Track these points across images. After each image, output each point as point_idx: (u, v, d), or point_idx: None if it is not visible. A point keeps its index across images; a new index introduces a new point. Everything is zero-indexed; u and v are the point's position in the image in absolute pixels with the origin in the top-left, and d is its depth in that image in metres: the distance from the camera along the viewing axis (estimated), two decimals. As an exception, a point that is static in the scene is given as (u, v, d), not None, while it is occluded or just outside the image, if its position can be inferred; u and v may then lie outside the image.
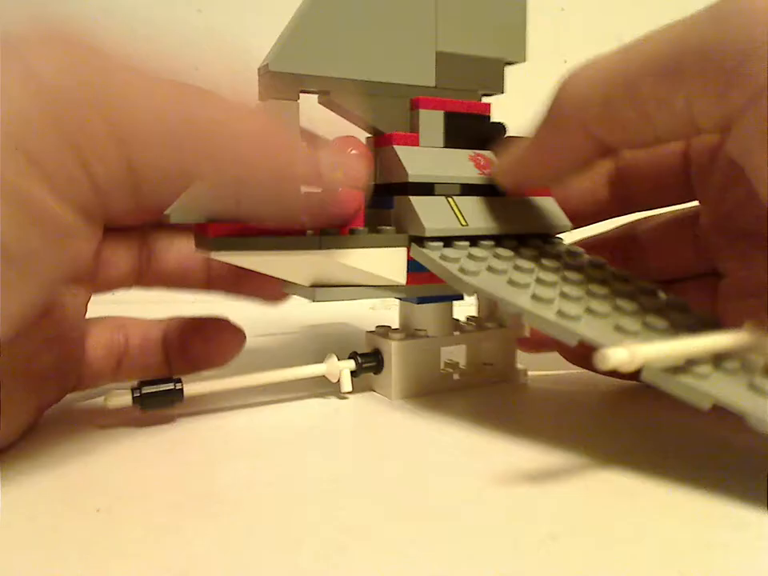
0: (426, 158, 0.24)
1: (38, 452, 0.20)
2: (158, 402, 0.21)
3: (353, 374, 0.24)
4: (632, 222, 0.27)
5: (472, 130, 0.25)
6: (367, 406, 0.24)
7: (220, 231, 0.20)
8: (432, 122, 0.24)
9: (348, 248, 0.22)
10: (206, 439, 0.21)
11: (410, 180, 0.23)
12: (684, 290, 0.25)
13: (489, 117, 0.26)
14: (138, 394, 0.21)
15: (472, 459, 0.19)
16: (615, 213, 0.27)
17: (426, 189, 0.23)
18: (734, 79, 0.17)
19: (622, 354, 0.15)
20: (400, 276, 0.23)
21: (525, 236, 0.24)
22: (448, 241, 0.23)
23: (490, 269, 0.21)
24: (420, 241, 0.23)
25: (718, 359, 0.17)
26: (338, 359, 0.24)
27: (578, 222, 0.26)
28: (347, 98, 0.23)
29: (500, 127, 0.26)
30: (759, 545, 0.14)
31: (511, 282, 0.20)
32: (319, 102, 0.24)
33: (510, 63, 0.26)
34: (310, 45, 0.22)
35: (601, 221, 0.27)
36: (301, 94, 0.22)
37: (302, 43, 0.22)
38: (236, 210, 0.20)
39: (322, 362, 0.24)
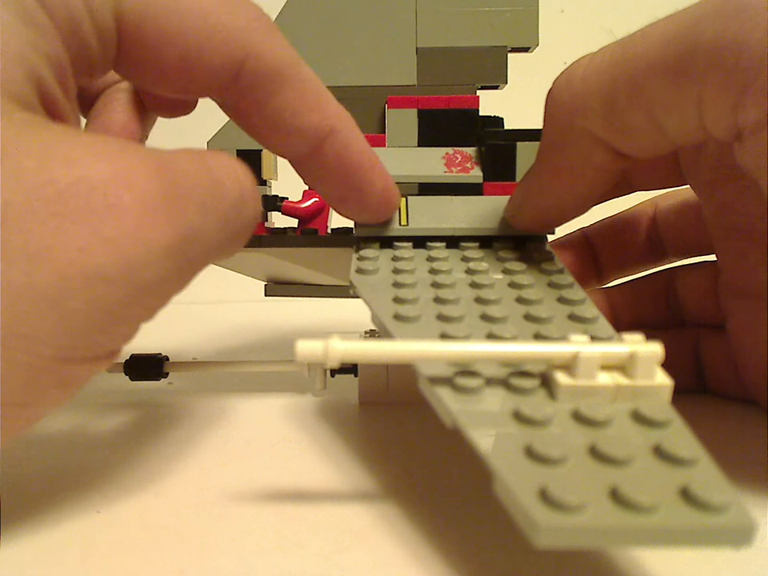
0: (387, 158, 0.23)
1: (36, 453, 0.20)
2: (143, 373, 0.25)
3: (332, 373, 0.25)
4: (647, 201, 0.25)
5: (454, 125, 0.24)
6: (325, 408, 0.24)
7: None
8: (403, 121, 0.24)
9: (285, 247, 0.23)
10: (204, 440, 0.21)
11: None
12: (687, 279, 0.24)
13: (477, 110, 0.24)
14: (127, 365, 0.25)
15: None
16: (612, 195, 0.24)
17: None
18: (751, 88, 0.14)
19: (316, 347, 0.13)
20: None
21: (497, 238, 0.22)
22: (389, 242, 0.22)
23: (394, 272, 0.20)
24: (359, 242, 0.22)
25: (514, 375, 0.14)
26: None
27: None
28: None
29: (494, 120, 0.24)
30: None
31: (396, 285, 0.19)
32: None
33: (518, 50, 0.24)
34: None
35: (600, 203, 0.24)
36: None
37: None
38: None
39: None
